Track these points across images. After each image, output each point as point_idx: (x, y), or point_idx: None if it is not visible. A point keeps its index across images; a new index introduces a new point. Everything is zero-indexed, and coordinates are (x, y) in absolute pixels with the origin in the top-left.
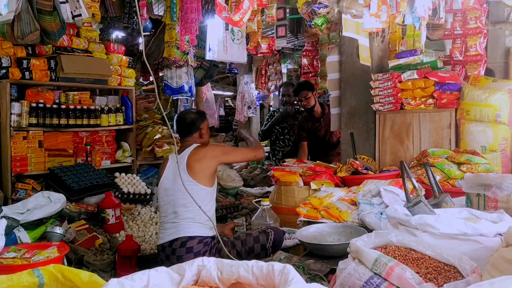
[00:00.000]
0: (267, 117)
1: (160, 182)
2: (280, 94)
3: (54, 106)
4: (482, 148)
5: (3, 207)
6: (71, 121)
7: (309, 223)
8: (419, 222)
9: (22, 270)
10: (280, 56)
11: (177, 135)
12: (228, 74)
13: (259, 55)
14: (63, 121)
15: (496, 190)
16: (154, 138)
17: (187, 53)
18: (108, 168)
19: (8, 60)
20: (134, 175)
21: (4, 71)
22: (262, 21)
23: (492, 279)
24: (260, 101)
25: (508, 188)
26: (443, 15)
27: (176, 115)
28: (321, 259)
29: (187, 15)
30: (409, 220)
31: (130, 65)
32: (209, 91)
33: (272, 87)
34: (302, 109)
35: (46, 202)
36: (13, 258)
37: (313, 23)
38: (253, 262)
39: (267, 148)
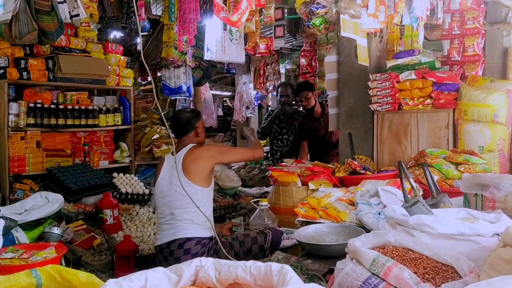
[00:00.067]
0: (265, 116)
1: (156, 183)
2: (278, 94)
3: (52, 106)
4: (480, 148)
5: (1, 208)
6: (69, 121)
7: (307, 223)
8: (417, 222)
9: (20, 270)
10: (278, 56)
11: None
12: (226, 74)
13: (257, 55)
14: (61, 121)
15: (494, 190)
16: (152, 138)
17: (185, 53)
18: (106, 168)
19: (6, 60)
20: (132, 175)
21: (1, 71)
22: (260, 21)
23: (489, 279)
24: (259, 101)
25: (506, 188)
26: (441, 16)
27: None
28: (319, 259)
29: (185, 15)
30: (407, 220)
31: (128, 65)
32: (207, 91)
33: (270, 87)
34: (301, 109)
35: (44, 203)
36: (11, 258)
37: (311, 23)
38: (251, 262)
39: (267, 148)
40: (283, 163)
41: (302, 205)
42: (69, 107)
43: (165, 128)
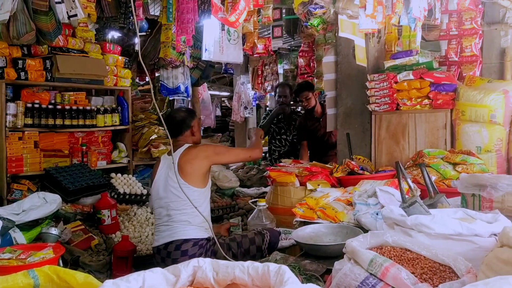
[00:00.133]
0: (264, 116)
1: (152, 184)
2: (277, 94)
3: (50, 106)
4: (477, 149)
5: None
6: (67, 122)
7: (305, 223)
8: (414, 223)
9: (17, 271)
10: (276, 57)
11: None
12: (224, 75)
13: (255, 55)
14: (58, 121)
15: (491, 190)
16: (150, 138)
17: (183, 54)
18: (104, 169)
19: (3, 60)
20: (130, 176)
21: None
22: (258, 22)
23: (487, 279)
24: (257, 102)
25: (503, 189)
26: (438, 16)
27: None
28: (317, 259)
29: (183, 15)
30: (404, 221)
31: (126, 66)
32: (205, 92)
33: (269, 88)
34: (298, 110)
35: (42, 203)
36: (9, 259)
37: (309, 23)
38: (248, 263)
39: (265, 148)
40: (281, 163)
41: (300, 205)
42: (67, 107)
43: (163, 128)
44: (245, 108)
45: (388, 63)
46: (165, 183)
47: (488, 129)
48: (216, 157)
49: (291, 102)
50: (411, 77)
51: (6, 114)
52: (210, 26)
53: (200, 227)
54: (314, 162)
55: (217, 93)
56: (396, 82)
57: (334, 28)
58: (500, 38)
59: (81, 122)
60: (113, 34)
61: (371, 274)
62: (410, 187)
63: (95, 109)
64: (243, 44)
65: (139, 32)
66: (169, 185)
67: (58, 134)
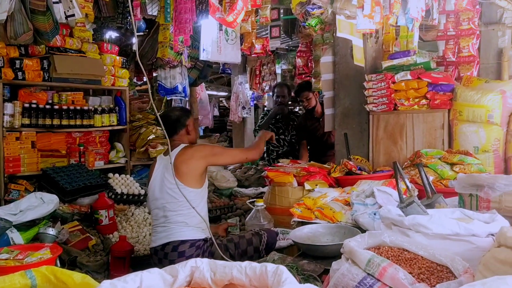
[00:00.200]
0: (261, 116)
1: (149, 185)
2: (275, 94)
3: (47, 106)
4: (475, 149)
5: None
6: (64, 122)
7: (303, 223)
8: (412, 223)
9: (14, 271)
10: (274, 57)
11: None
12: (222, 75)
13: (253, 55)
14: (56, 121)
15: (489, 190)
16: (148, 138)
17: (181, 54)
18: (102, 169)
19: (0, 60)
20: (128, 176)
21: None
22: (256, 22)
23: (484, 279)
24: (255, 102)
25: (500, 189)
26: (436, 16)
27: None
28: (315, 259)
29: (181, 15)
30: (402, 221)
31: (124, 65)
32: (203, 92)
33: (267, 88)
34: (296, 110)
35: (39, 203)
36: (6, 259)
37: (307, 23)
38: (246, 263)
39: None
40: (279, 164)
41: (298, 205)
42: (64, 107)
43: (160, 128)
44: (243, 108)
45: (386, 63)
46: (161, 183)
47: (486, 129)
48: (213, 158)
49: (289, 102)
50: (409, 77)
51: (4, 114)
52: (208, 26)
53: (197, 228)
54: (312, 162)
55: (215, 93)
56: (393, 82)
57: (332, 28)
58: (497, 39)
59: (78, 122)
60: (111, 34)
61: (368, 274)
62: (407, 187)
63: (93, 109)
64: (241, 44)
65: (137, 32)
66: (165, 186)
67: (56, 134)
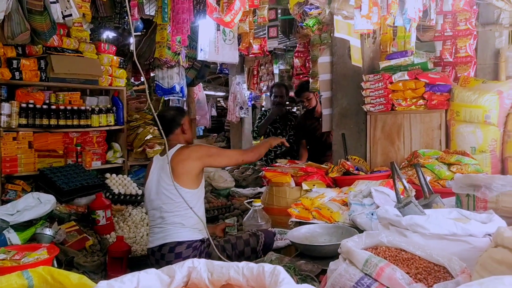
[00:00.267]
0: (259, 116)
1: (145, 186)
2: (272, 94)
3: (44, 106)
4: (472, 149)
5: None
6: (61, 122)
7: (300, 223)
8: (409, 223)
9: (11, 272)
10: (272, 57)
11: None
12: (220, 75)
13: (250, 55)
14: (53, 121)
15: (486, 190)
16: (145, 138)
17: (179, 54)
18: (99, 169)
19: None
20: (125, 176)
21: None
22: (253, 22)
23: (481, 279)
24: (252, 102)
25: (497, 189)
26: (433, 17)
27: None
28: (313, 259)
29: (179, 15)
30: (399, 221)
31: (121, 65)
32: (200, 92)
33: (264, 88)
34: (294, 110)
35: (36, 203)
36: (3, 260)
37: (304, 24)
38: (243, 263)
39: None
40: (276, 164)
41: (295, 205)
42: (62, 107)
43: (158, 128)
44: (241, 108)
45: (383, 64)
46: (157, 184)
47: (483, 129)
48: (209, 160)
49: (287, 102)
50: (406, 77)
51: (1, 114)
52: (206, 26)
53: (194, 229)
54: (309, 162)
55: (212, 93)
56: (391, 83)
57: (330, 28)
58: (494, 39)
59: (75, 122)
60: (108, 34)
61: (366, 274)
62: (405, 187)
63: (90, 109)
64: (239, 44)
65: (134, 32)
66: (161, 187)
67: (53, 134)
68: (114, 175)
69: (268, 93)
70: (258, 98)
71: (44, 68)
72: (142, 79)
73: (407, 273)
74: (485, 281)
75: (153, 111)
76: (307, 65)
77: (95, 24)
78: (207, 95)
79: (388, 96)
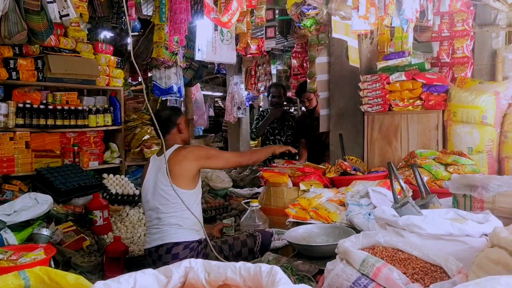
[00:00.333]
0: (256, 116)
1: (142, 186)
2: (270, 95)
3: (41, 106)
4: (469, 149)
5: None
6: (59, 122)
7: (298, 224)
8: (406, 223)
9: (8, 272)
10: (269, 57)
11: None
12: (217, 75)
13: (248, 56)
14: (50, 121)
15: (482, 191)
16: (143, 139)
17: (176, 54)
18: (96, 169)
19: None
20: (123, 176)
21: None
22: (251, 22)
23: (477, 279)
24: (250, 102)
25: (494, 189)
26: (430, 18)
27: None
28: (310, 260)
29: (176, 15)
30: (396, 221)
31: (119, 66)
32: (198, 92)
33: (262, 88)
34: (291, 110)
35: (33, 204)
36: None
37: (302, 24)
38: (240, 263)
39: None
40: (274, 164)
41: (293, 205)
42: (59, 107)
43: (154, 128)
44: (238, 108)
45: (381, 64)
46: (154, 185)
47: (480, 130)
48: (206, 161)
49: (285, 103)
50: (403, 78)
51: None
52: (203, 26)
53: (191, 230)
54: (307, 162)
55: (210, 93)
56: (388, 83)
57: (327, 29)
58: (491, 40)
59: (72, 122)
60: (106, 34)
61: (363, 274)
62: (402, 187)
63: (87, 109)
64: (236, 45)
65: (132, 32)
66: (158, 188)
67: (50, 134)
68: (111, 175)
69: (266, 94)
70: (255, 99)
71: (41, 68)
72: (140, 79)
73: (404, 273)
74: (482, 281)
75: (151, 111)
76: (304, 65)
77: (93, 24)
78: (204, 95)
79: (385, 97)
